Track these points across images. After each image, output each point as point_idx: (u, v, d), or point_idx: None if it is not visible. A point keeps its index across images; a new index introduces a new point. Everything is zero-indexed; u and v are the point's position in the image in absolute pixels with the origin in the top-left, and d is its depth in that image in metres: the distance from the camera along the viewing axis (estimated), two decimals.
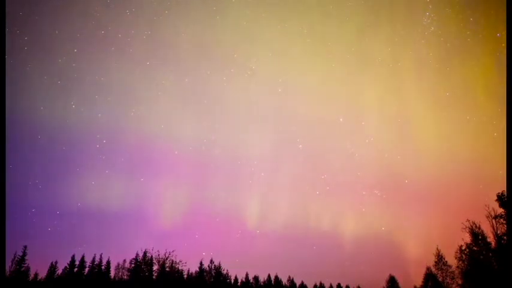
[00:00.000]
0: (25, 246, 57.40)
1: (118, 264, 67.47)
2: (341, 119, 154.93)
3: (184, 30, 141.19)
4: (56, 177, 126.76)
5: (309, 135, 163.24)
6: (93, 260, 63.43)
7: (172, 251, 56.08)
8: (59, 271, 61.10)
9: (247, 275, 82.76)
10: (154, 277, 57.11)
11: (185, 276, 68.49)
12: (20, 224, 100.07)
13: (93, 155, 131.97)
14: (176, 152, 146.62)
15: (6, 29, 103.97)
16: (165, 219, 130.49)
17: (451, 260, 48.80)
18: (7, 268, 53.83)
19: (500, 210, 37.48)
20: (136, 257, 59.90)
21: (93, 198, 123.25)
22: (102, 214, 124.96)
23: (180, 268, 59.10)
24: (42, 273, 62.00)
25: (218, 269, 70.72)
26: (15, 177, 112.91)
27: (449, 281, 48.57)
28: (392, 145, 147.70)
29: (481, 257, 40.29)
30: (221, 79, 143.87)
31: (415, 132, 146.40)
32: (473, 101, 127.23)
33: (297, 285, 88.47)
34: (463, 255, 43.04)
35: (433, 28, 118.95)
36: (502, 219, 37.51)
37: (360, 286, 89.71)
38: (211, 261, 70.62)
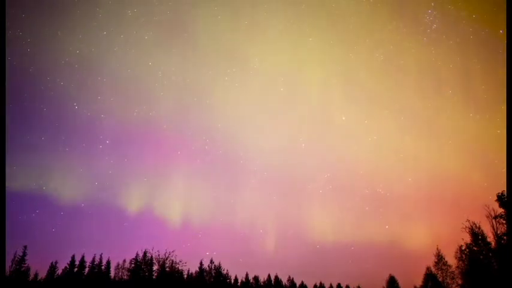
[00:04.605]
0: (25, 246, 57.94)
1: (118, 264, 67.90)
2: (344, 118, 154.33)
3: (186, 31, 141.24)
4: (59, 179, 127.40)
5: (312, 134, 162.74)
6: (93, 260, 63.78)
7: (172, 251, 55.98)
8: (59, 271, 61.54)
9: (247, 275, 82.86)
10: (154, 277, 57.15)
11: (185, 276, 68.57)
12: (22, 225, 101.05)
13: (96, 155, 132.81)
14: (179, 153, 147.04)
15: (9, 31, 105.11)
16: (167, 219, 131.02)
17: (451, 260, 48.46)
18: (7, 268, 54.33)
19: (500, 210, 36.95)
20: (136, 257, 60.00)
21: (96, 198, 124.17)
22: (105, 214, 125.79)
23: (180, 268, 59.02)
24: (42, 273, 62.58)
25: (218, 269, 70.66)
26: (19, 178, 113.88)
27: (449, 281, 48.25)
28: (395, 143, 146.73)
29: (481, 257, 39.89)
30: (223, 79, 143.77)
31: (417, 130, 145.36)
32: (476, 98, 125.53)
33: (297, 285, 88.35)
34: (463, 255, 42.70)
35: (435, 26, 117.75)
36: (502, 219, 36.98)
37: (360, 286, 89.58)
38: (211, 261, 70.63)
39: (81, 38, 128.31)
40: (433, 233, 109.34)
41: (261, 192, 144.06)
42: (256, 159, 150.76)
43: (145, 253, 59.32)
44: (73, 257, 61.59)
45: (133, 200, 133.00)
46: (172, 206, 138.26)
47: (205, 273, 69.26)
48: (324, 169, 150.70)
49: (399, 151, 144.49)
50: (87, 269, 62.38)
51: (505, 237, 36.34)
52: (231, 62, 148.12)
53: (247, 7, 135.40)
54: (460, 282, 46.09)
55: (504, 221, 36.61)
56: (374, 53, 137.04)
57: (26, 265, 58.38)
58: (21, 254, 57.39)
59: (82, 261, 62.09)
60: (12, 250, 57.11)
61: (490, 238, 38.72)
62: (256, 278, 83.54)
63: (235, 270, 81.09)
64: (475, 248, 40.56)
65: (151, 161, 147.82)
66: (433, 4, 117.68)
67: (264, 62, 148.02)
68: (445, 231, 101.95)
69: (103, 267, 64.24)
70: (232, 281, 76.82)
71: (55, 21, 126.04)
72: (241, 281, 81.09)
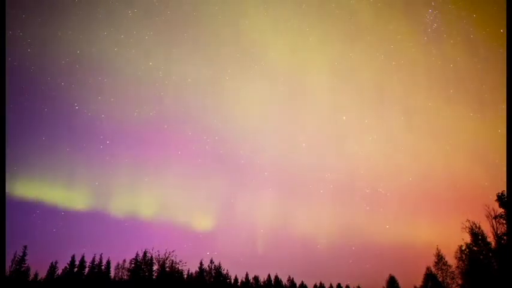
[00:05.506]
0: (25, 246, 58.03)
1: (118, 264, 67.90)
2: (344, 117, 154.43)
3: (186, 31, 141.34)
4: (60, 179, 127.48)
5: (312, 134, 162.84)
6: (93, 260, 63.84)
7: (172, 251, 55.86)
8: (59, 271, 61.62)
9: (247, 275, 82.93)
10: (154, 277, 57.15)
11: (185, 276, 68.58)
12: (23, 225, 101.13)
13: (97, 156, 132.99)
14: (179, 152, 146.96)
15: (10, 32, 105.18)
16: (167, 218, 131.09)
17: (451, 260, 48.39)
18: (7, 268, 54.40)
19: (500, 210, 36.87)
20: (136, 257, 59.98)
21: (97, 198, 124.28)
22: (106, 214, 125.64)
23: (180, 268, 58.96)
24: (42, 273, 62.66)
25: (218, 269, 70.65)
26: (20, 178, 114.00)
27: (449, 281, 48.18)
28: (395, 143, 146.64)
29: (481, 257, 39.82)
30: (224, 79, 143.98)
31: (417, 130, 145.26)
32: (477, 97, 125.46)
33: (297, 285, 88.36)
34: (463, 255, 42.65)
35: (435, 25, 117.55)
36: (502, 219, 36.91)
37: (360, 286, 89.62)
38: (211, 261, 70.61)
39: (82, 38, 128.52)
40: (433, 233, 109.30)
41: (261, 191, 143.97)
42: (257, 159, 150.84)
43: (145, 253, 59.38)
44: (73, 257, 61.65)
45: (133, 200, 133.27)
46: (173, 205, 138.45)
47: (205, 273, 69.25)
48: (324, 169, 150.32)
49: (399, 151, 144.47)
50: (87, 269, 62.42)
51: (505, 237, 36.26)
52: (231, 62, 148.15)
53: (247, 7, 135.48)
54: (460, 282, 46.04)
55: (504, 221, 36.53)
56: (374, 52, 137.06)
57: (26, 265, 58.54)
58: (21, 254, 57.54)
59: (82, 261, 62.13)
60: (12, 250, 57.32)
61: (490, 238, 38.70)
62: (256, 278, 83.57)
63: (235, 270, 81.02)
64: (475, 248, 40.50)
65: (152, 161, 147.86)
66: (433, 4, 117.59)
67: (264, 61, 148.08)
68: (445, 231, 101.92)
69: (103, 267, 64.30)
70: (232, 281, 76.84)
71: (55, 21, 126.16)
72: (241, 281, 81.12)
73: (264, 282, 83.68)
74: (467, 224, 40.96)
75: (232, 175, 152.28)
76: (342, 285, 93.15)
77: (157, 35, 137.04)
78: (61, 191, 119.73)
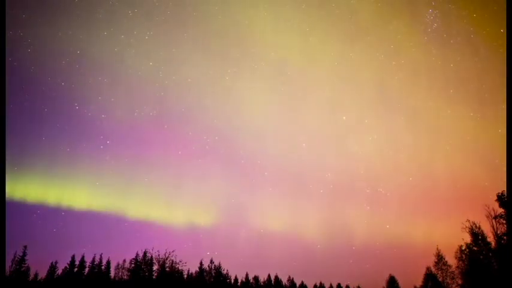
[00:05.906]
0: (25, 246, 57.97)
1: (118, 264, 67.86)
2: (344, 117, 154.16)
3: (187, 31, 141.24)
4: (60, 179, 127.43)
5: (312, 134, 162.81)
6: (93, 260, 63.83)
7: (172, 251, 55.90)
8: (59, 271, 61.64)
9: (247, 275, 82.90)
10: (154, 277, 57.18)
11: (185, 276, 68.59)
12: (23, 225, 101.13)
13: (97, 156, 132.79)
14: (180, 153, 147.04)
15: (10, 32, 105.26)
16: (167, 218, 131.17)
17: (451, 260, 48.38)
18: (7, 268, 54.44)
19: (500, 210, 36.88)
20: (136, 257, 60.02)
21: (97, 199, 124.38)
22: (105, 214, 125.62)
23: (180, 268, 58.96)
24: (42, 273, 62.66)
25: (218, 269, 70.64)
26: (20, 179, 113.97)
27: (449, 281, 48.16)
28: (395, 143, 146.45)
29: (481, 257, 39.83)
30: (223, 79, 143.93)
31: (417, 129, 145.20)
32: (477, 97, 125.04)
33: (297, 285, 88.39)
34: (463, 255, 42.66)
35: (436, 25, 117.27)
36: (502, 219, 36.92)
37: (360, 286, 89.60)
38: (211, 261, 70.59)
39: (82, 38, 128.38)
40: (433, 233, 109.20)
41: (261, 191, 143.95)
42: (257, 159, 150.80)
43: (145, 253, 59.43)
44: (73, 257, 61.66)
45: (134, 200, 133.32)
46: (173, 206, 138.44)
47: (205, 273, 69.24)
48: (324, 169, 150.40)
49: (400, 150, 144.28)
50: (87, 269, 62.42)
51: (505, 237, 36.28)
52: (231, 61, 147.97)
53: (247, 7, 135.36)
54: (460, 282, 46.05)
55: (504, 221, 36.55)
56: (374, 52, 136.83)
57: (26, 265, 58.48)
58: (21, 254, 57.53)
59: (82, 261, 62.14)
60: (12, 250, 57.34)
61: (490, 238, 38.73)
62: (256, 278, 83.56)
63: (235, 270, 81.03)
64: (475, 248, 40.51)
65: (152, 161, 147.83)
66: (433, 3, 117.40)
67: (264, 61, 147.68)
68: (445, 231, 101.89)
69: (103, 267, 64.30)
70: (232, 281, 76.84)
71: (56, 21, 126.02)
72: (241, 281, 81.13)
73: (264, 282, 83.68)
74: (467, 224, 41.02)
75: (232, 175, 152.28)
76: (342, 285, 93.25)
77: (157, 35, 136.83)
78: (61, 191, 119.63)
